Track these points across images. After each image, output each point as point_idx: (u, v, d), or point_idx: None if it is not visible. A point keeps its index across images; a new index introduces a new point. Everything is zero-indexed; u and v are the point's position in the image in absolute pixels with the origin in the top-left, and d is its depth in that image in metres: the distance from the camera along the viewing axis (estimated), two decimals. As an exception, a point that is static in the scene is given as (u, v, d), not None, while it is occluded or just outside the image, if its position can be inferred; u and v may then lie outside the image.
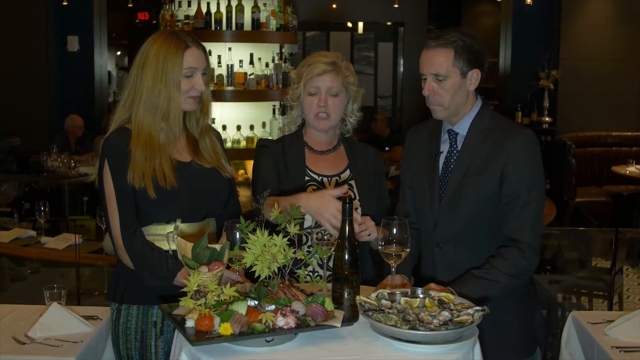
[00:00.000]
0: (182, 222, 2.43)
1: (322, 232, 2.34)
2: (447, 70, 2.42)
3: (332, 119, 2.69)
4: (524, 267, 2.40)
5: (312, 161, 2.73)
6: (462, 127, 2.51)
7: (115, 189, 2.38)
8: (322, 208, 2.29)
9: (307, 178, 2.70)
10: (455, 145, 2.52)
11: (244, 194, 4.63)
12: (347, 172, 2.73)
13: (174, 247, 2.38)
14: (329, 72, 2.64)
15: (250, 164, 5.13)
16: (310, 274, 2.43)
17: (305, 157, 2.73)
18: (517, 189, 2.40)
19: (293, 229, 2.19)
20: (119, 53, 13.44)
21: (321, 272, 2.57)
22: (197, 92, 2.45)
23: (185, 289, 2.03)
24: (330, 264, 2.37)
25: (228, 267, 2.21)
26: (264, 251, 2.05)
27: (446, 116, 2.49)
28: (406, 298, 2.16)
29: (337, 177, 2.70)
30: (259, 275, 2.06)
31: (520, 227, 2.39)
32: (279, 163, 2.71)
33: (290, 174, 2.69)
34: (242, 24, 5.42)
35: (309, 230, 2.50)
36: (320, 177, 2.70)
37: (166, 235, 2.42)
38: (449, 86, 2.43)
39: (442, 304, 2.13)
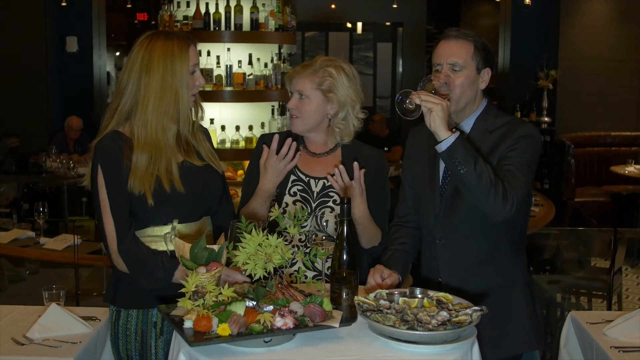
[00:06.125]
0: (179, 222, 2.42)
1: (318, 234, 2.35)
2: (465, 62, 2.43)
3: (302, 121, 2.68)
4: (503, 197, 2.30)
5: (304, 162, 2.74)
6: (466, 126, 2.52)
7: (108, 195, 2.36)
8: (275, 175, 2.61)
9: (294, 177, 2.71)
10: None
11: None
12: None
13: (171, 247, 2.37)
14: (298, 74, 2.67)
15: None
16: (296, 272, 2.43)
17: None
18: (509, 164, 2.39)
19: (293, 230, 2.19)
20: (117, 54, 13.43)
21: (309, 273, 2.57)
22: (197, 89, 2.46)
23: (183, 290, 2.03)
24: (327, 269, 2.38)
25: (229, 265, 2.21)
26: (258, 251, 2.05)
27: (454, 108, 2.46)
28: (404, 298, 2.16)
29: (325, 180, 2.69)
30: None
31: (509, 183, 2.34)
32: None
33: None
34: (241, 25, 5.41)
35: (308, 231, 2.50)
36: (308, 179, 2.71)
37: (163, 237, 2.41)
38: (463, 78, 2.43)
39: (440, 304, 2.14)
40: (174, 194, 2.39)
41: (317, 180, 2.71)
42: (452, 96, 2.43)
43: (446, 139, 2.29)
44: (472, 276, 2.48)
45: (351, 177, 2.65)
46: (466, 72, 2.44)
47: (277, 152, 2.65)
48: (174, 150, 2.44)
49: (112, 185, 2.35)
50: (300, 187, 2.70)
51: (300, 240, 2.61)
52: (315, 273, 2.58)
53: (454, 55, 2.43)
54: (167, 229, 2.42)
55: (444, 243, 2.53)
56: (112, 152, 2.36)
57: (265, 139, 2.84)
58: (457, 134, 2.30)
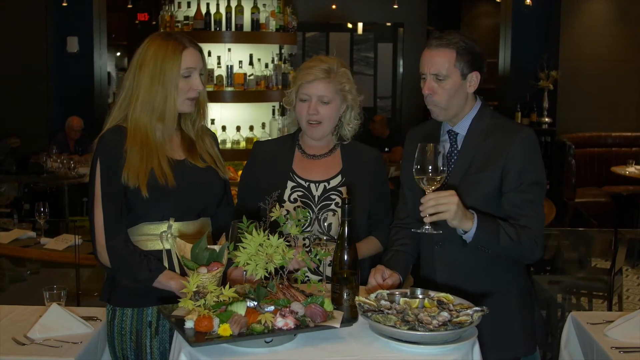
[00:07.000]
0: (175, 220, 2.42)
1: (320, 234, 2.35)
2: (447, 71, 2.41)
3: (324, 126, 2.65)
4: (530, 246, 2.41)
5: (302, 166, 2.71)
6: (462, 128, 2.52)
7: (102, 189, 2.37)
8: None
9: (293, 184, 2.67)
10: (455, 145, 2.52)
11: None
12: (339, 178, 2.69)
13: (167, 246, 2.38)
14: (320, 79, 2.61)
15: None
16: (297, 273, 2.43)
17: (294, 161, 2.71)
18: (518, 186, 2.40)
19: (294, 230, 2.19)
20: (118, 54, 13.44)
21: (311, 276, 2.56)
22: (195, 93, 2.45)
23: (184, 290, 2.04)
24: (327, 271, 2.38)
25: None
26: (259, 251, 2.05)
27: (444, 117, 2.48)
28: (405, 299, 2.16)
29: (325, 183, 2.68)
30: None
31: (528, 219, 2.40)
32: (265, 166, 2.70)
33: (274, 177, 2.68)
34: (242, 25, 5.42)
35: (309, 232, 2.50)
36: (307, 183, 2.67)
37: (159, 235, 2.41)
38: (449, 86, 2.43)
39: (441, 304, 2.14)
40: (170, 190, 2.39)
41: (317, 184, 2.68)
42: (439, 104, 2.44)
43: (469, 231, 2.32)
44: (469, 280, 2.47)
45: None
46: (450, 80, 2.42)
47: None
48: (162, 147, 2.43)
49: (107, 179, 2.37)
50: (300, 193, 2.66)
51: (304, 245, 2.60)
52: (319, 278, 2.57)
53: (436, 65, 2.42)
54: (163, 227, 2.42)
55: (442, 247, 2.52)
56: (112, 147, 2.38)
57: (260, 146, 2.83)
58: (476, 221, 2.30)
